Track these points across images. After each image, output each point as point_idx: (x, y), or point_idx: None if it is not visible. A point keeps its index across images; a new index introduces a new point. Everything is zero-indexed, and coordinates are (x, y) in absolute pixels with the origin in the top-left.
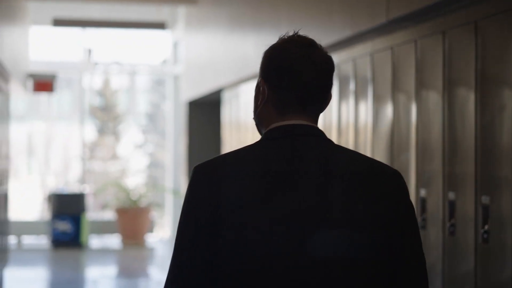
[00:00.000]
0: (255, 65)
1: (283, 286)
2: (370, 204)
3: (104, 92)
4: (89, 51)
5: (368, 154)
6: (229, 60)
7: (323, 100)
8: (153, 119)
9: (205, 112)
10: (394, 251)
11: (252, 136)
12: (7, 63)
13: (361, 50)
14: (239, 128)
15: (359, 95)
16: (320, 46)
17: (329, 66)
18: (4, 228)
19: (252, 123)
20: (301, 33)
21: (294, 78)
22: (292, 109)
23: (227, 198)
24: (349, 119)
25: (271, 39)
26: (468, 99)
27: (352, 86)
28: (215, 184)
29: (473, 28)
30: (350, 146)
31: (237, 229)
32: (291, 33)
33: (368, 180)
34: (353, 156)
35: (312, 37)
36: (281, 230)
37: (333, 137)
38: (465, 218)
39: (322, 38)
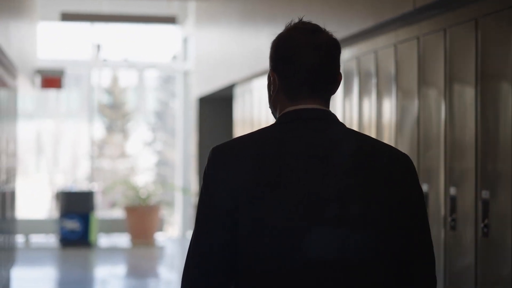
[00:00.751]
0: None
1: (300, 266)
2: (380, 186)
3: (112, 90)
4: (98, 47)
5: (443, 153)
6: (242, 55)
7: (332, 83)
8: (161, 117)
9: (216, 109)
10: (405, 236)
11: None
12: (15, 59)
13: (383, 41)
14: (252, 124)
15: (381, 90)
16: (325, 29)
17: (334, 49)
18: (11, 227)
19: (265, 118)
20: (314, 21)
21: (300, 65)
22: (302, 94)
23: (243, 179)
24: (371, 115)
25: None
26: (505, 93)
27: (373, 80)
28: (232, 165)
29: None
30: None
31: (253, 209)
32: (296, 20)
33: (378, 162)
34: (364, 139)
35: (330, 29)
36: (294, 210)
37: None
38: (502, 218)
39: (341, 29)
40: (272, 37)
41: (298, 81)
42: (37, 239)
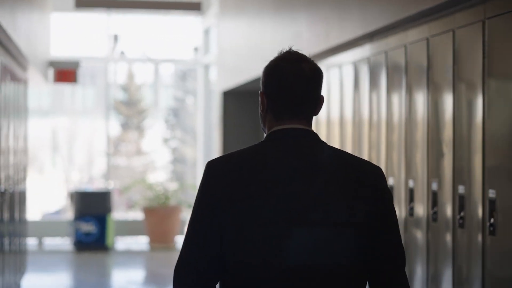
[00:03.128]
0: (306, 47)
1: (282, 263)
2: (355, 196)
3: (128, 87)
4: (115, 37)
5: (424, 150)
6: (274, 44)
7: (313, 106)
8: (177, 114)
9: (242, 103)
10: (378, 240)
11: None
12: (24, 49)
13: (415, 34)
14: None
15: (411, 86)
16: (309, 59)
17: (316, 76)
18: (21, 230)
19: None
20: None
21: (286, 90)
22: (286, 116)
23: (231, 188)
24: (401, 112)
25: (323, 18)
26: None
27: (403, 75)
28: (224, 177)
29: None
30: (402, 142)
31: (239, 214)
32: (286, 49)
33: (354, 174)
34: (341, 155)
35: (359, 22)
36: (275, 218)
37: (382, 132)
38: None
39: (371, 22)
40: (312, 23)
41: (283, 105)
42: (51, 242)
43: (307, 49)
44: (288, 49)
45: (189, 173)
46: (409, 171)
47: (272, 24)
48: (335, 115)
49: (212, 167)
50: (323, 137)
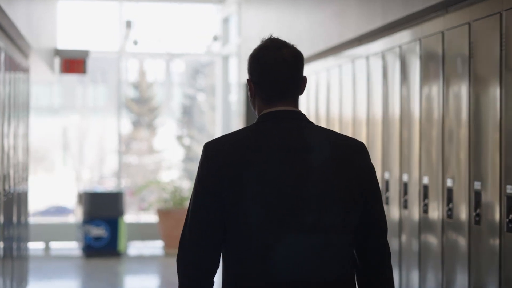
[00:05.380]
0: (333, 37)
1: (278, 235)
2: (345, 169)
3: (139, 84)
4: (127, 23)
5: (465, 148)
6: (299, 33)
7: (296, 88)
8: (188, 111)
9: None
10: (365, 210)
11: (324, 113)
12: (25, 33)
13: (453, 20)
14: (309, 110)
15: (450, 77)
16: (289, 44)
17: (298, 60)
18: (22, 234)
19: (321, 104)
20: None
21: (270, 75)
22: (273, 98)
23: (227, 167)
24: (438, 105)
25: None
26: None
27: (440, 65)
28: (221, 156)
29: None
30: (436, 139)
31: (236, 192)
32: (267, 37)
33: (342, 151)
34: (327, 132)
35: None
36: (271, 192)
37: (415, 128)
38: None
39: (402, 8)
40: (339, 10)
41: (269, 89)
42: (58, 246)
43: (333, 41)
44: (269, 37)
45: None
46: (447, 170)
47: (306, 7)
48: (361, 112)
49: (209, 148)
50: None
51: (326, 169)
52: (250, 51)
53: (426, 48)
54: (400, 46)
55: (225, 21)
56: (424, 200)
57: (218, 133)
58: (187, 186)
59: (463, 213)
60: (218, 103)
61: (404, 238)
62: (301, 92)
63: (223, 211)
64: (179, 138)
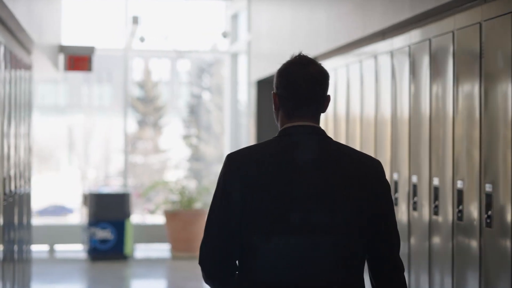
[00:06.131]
0: (353, 32)
1: (290, 243)
2: (360, 186)
3: (145, 84)
4: (134, 19)
5: (477, 148)
6: (317, 28)
7: (321, 105)
8: (194, 111)
9: None
10: (378, 224)
11: (344, 113)
12: (27, 27)
13: (465, 19)
14: (326, 111)
15: (460, 74)
16: (316, 62)
17: (323, 78)
18: (24, 236)
19: (344, 101)
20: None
21: (294, 90)
22: (296, 113)
23: (250, 178)
24: (446, 103)
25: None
26: None
27: (450, 62)
28: (242, 168)
29: None
30: (445, 137)
31: (256, 201)
32: (296, 54)
33: (358, 168)
34: (345, 149)
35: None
36: (286, 204)
37: (424, 128)
38: None
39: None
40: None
41: (293, 104)
42: (63, 249)
43: (353, 35)
44: (298, 54)
45: (206, 170)
46: (457, 171)
47: (311, 6)
48: (370, 112)
49: (232, 159)
50: (356, 139)
51: (342, 185)
52: (261, 48)
53: (461, 43)
54: (429, 40)
55: (234, 17)
56: (434, 202)
57: (226, 133)
58: (193, 186)
59: (474, 215)
60: (226, 103)
61: (413, 240)
62: (324, 110)
63: (240, 217)
64: (186, 137)
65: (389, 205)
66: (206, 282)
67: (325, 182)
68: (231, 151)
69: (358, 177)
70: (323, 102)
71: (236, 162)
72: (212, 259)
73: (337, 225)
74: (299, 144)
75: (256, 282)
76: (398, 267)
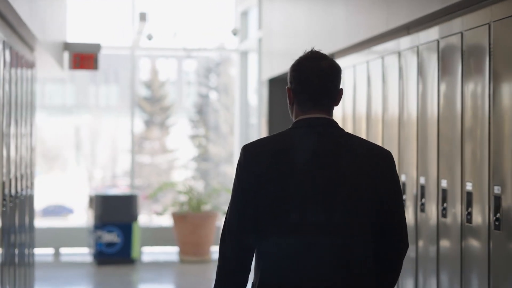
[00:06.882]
0: (367, 30)
1: (304, 231)
2: (371, 175)
3: (151, 83)
4: (141, 16)
5: (485, 150)
6: (336, 24)
7: (332, 98)
8: (201, 110)
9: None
10: (387, 211)
11: (364, 112)
12: (28, 22)
13: (474, 19)
14: (344, 110)
15: (467, 73)
16: (328, 57)
17: (334, 72)
18: (27, 239)
19: (348, 100)
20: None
21: (307, 84)
22: (309, 106)
23: (266, 168)
24: (454, 102)
25: None
26: None
27: (458, 61)
28: (258, 158)
29: None
30: (454, 139)
31: (268, 191)
32: (309, 49)
33: (369, 158)
34: (357, 140)
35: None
36: (299, 194)
37: (432, 127)
38: None
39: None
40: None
41: (306, 97)
42: (68, 252)
43: (366, 33)
44: (311, 49)
45: (214, 171)
46: (465, 173)
47: (323, 3)
48: (394, 111)
49: (248, 150)
50: (378, 138)
51: (352, 175)
52: (273, 46)
53: (496, 37)
54: (462, 33)
55: (244, 14)
56: (442, 204)
57: (236, 133)
58: (201, 186)
59: (482, 217)
60: (236, 102)
61: (421, 243)
62: (337, 103)
63: (256, 206)
64: (194, 137)
65: (400, 193)
66: (225, 249)
67: (338, 173)
68: (246, 143)
69: (370, 167)
70: (335, 95)
71: (252, 153)
72: (239, 224)
73: (354, 219)
74: (312, 134)
75: (262, 282)
76: (401, 248)
